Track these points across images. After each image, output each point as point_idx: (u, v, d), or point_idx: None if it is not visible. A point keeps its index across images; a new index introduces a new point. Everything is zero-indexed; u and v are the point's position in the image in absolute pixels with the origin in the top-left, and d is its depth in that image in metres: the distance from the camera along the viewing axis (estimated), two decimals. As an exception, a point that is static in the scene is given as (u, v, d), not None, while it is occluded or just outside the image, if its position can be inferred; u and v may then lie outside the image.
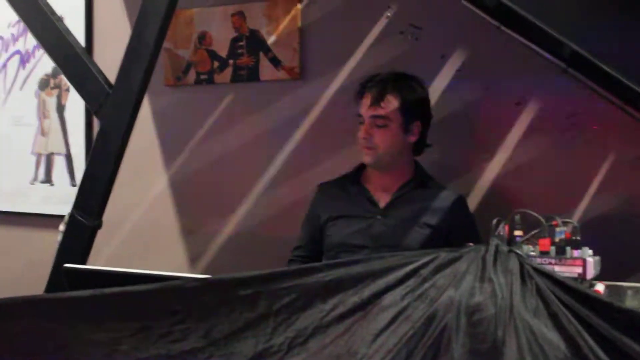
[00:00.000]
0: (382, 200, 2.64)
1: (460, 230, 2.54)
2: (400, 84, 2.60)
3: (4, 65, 4.04)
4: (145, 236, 3.71)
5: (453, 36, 3.06)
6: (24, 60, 3.97)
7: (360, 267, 1.67)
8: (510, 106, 2.97)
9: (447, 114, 3.05)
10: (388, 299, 1.61)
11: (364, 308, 1.63)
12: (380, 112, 2.56)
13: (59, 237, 2.56)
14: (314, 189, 2.85)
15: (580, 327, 1.44)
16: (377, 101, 2.56)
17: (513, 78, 2.97)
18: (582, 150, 2.87)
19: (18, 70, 4.00)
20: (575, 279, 1.57)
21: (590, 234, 2.75)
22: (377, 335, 1.57)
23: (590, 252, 1.67)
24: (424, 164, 2.78)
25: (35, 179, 3.97)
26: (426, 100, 2.69)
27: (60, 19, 2.61)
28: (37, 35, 2.62)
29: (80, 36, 3.69)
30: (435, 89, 3.07)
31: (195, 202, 3.62)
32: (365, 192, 2.65)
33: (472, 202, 2.96)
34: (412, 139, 2.62)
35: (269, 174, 3.42)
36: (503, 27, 2.82)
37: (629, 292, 1.79)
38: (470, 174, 3.03)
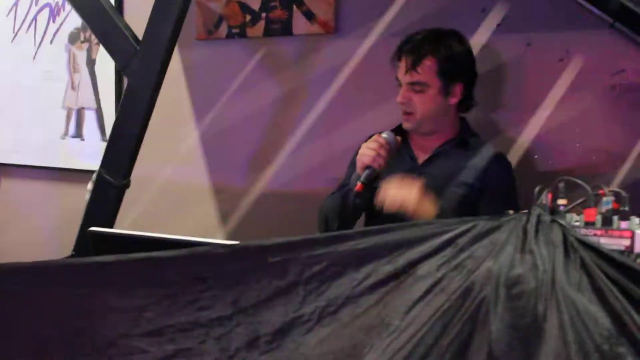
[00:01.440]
0: (422, 156, 2.56)
1: (494, 189, 2.45)
2: (438, 45, 2.48)
3: (34, 19, 3.99)
4: (174, 193, 3.68)
5: (494, -12, 2.94)
6: (54, 13, 3.91)
7: (394, 235, 1.59)
8: (552, 63, 2.86)
9: (487, 70, 2.94)
10: (423, 268, 1.53)
11: (398, 277, 1.55)
12: (417, 77, 2.46)
13: (87, 196, 2.52)
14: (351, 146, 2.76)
15: (627, 304, 1.35)
16: (413, 66, 2.46)
17: (556, 33, 2.84)
18: (628, 109, 2.76)
19: (48, 24, 3.96)
20: (622, 252, 1.48)
21: (633, 196, 2.72)
22: (411, 307, 1.50)
23: (638, 220, 1.58)
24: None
25: (65, 133, 3.95)
26: (468, 56, 2.56)
27: (87, -28, 2.53)
28: (63, -13, 2.56)
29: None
30: (475, 44, 2.95)
31: (226, 158, 3.58)
32: (406, 148, 2.58)
33: (513, 159, 2.88)
34: (454, 100, 2.51)
35: (301, 130, 3.36)
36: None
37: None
38: (509, 132, 2.94)
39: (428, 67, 2.46)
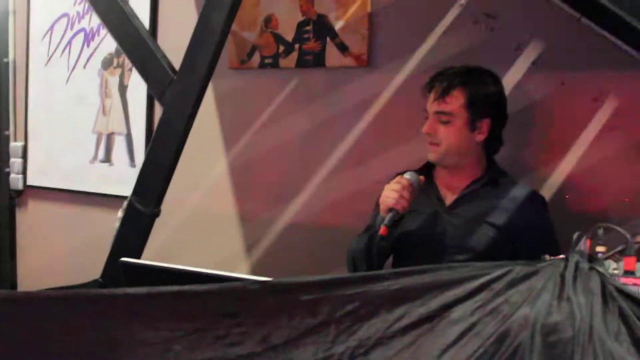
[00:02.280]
0: (449, 197, 2.53)
1: (531, 233, 2.40)
2: (470, 78, 2.46)
3: (69, 43, 4.04)
4: (202, 222, 3.68)
5: (529, 27, 2.92)
6: (88, 38, 3.96)
7: (428, 277, 1.58)
8: (586, 102, 2.82)
9: (520, 109, 2.93)
10: (457, 312, 1.52)
11: (431, 320, 1.54)
12: (444, 107, 2.44)
13: (116, 224, 2.52)
14: (387, 178, 2.73)
15: (666, 356, 1.33)
16: (441, 96, 2.44)
17: (591, 72, 2.81)
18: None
19: (82, 49, 4.00)
20: (662, 302, 1.46)
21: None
22: (445, 351, 1.48)
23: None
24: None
25: (95, 158, 3.98)
26: (499, 96, 2.54)
27: (126, 2, 2.55)
28: (102, 16, 2.59)
29: (145, 18, 3.66)
30: (509, 82, 2.95)
31: (254, 189, 3.58)
32: (433, 188, 2.55)
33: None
34: (480, 137, 2.47)
35: (330, 163, 3.35)
36: (584, 18, 2.70)
37: None
38: (541, 172, 2.90)
39: (456, 98, 2.43)
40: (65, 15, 4.05)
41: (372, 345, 1.56)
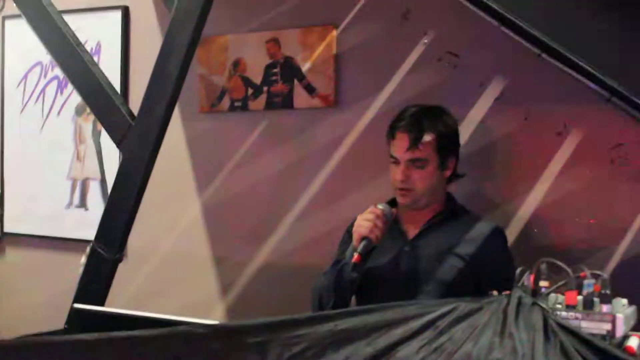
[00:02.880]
0: (411, 231, 2.54)
1: (494, 265, 2.42)
2: (435, 121, 2.50)
3: (42, 91, 4.07)
4: (176, 265, 3.68)
5: (492, 64, 2.97)
6: (61, 85, 3.99)
7: (374, 317, 1.58)
8: (551, 136, 2.86)
9: (485, 144, 2.98)
10: (403, 351, 1.53)
11: (378, 360, 1.54)
12: (419, 154, 2.46)
13: (80, 270, 2.52)
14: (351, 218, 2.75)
15: (607, 391, 1.33)
16: (414, 144, 2.45)
17: (554, 107, 2.86)
18: (626, 184, 2.75)
19: (56, 96, 4.03)
20: (603, 336, 1.46)
21: (635, 270, 2.69)
22: (390, 391, 1.48)
23: (623, 301, 1.56)
24: (460, 195, 2.69)
25: (70, 203, 3.98)
26: (457, 132, 2.59)
27: (85, 50, 2.58)
28: (61, 65, 2.61)
29: (116, 66, 3.71)
30: (474, 118, 2.99)
31: (227, 230, 3.58)
32: (396, 224, 2.55)
33: (510, 235, 2.85)
34: (448, 173, 2.54)
35: (302, 202, 3.37)
36: (544, 55, 2.73)
37: (665, 347, 1.66)
38: (508, 206, 2.93)
39: (429, 144, 2.46)
40: (39, 63, 4.08)
41: (320, 386, 1.56)
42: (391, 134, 2.53)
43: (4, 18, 4.25)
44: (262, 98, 3.42)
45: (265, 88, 3.41)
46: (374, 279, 2.47)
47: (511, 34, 2.55)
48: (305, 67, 3.31)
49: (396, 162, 2.51)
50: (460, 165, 2.76)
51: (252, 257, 3.50)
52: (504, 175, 2.97)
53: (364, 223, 2.40)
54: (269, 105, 3.40)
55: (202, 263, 3.62)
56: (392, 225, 2.53)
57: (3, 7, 4.25)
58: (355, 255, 2.34)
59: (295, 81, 3.33)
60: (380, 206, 2.45)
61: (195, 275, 3.64)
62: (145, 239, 3.73)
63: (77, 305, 1.80)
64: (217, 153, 3.58)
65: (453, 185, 2.66)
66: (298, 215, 3.39)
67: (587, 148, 2.82)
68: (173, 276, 3.67)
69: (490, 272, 2.41)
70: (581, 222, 2.82)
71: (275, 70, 3.38)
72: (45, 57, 4.00)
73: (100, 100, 2.52)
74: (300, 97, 3.33)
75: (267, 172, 3.44)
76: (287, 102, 3.36)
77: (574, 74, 2.65)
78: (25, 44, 4.05)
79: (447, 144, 2.51)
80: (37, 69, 4.10)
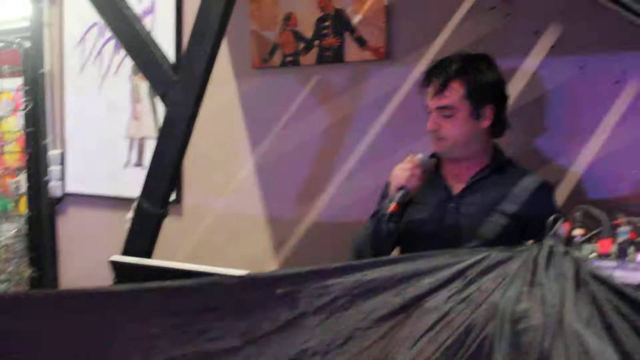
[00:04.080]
0: (456, 187, 2.48)
1: (540, 222, 2.34)
2: (465, 68, 2.41)
3: (100, 52, 4.12)
4: (229, 223, 3.70)
5: (547, 11, 2.86)
6: (118, 45, 4.01)
7: (403, 267, 1.56)
8: (608, 85, 2.74)
9: (540, 95, 2.88)
10: (431, 301, 1.50)
11: (406, 310, 1.52)
12: (445, 101, 2.39)
13: (126, 226, 2.56)
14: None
15: (638, 342, 1.28)
16: (440, 90, 2.39)
17: (612, 55, 2.74)
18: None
19: (113, 56, 4.07)
20: (637, 286, 1.40)
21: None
22: (417, 340, 1.46)
23: (663, 253, 1.49)
24: (512, 149, 2.62)
25: (128, 162, 4.04)
26: (497, 80, 2.48)
27: (127, 7, 2.58)
28: (107, 21, 2.62)
29: (170, 24, 3.74)
30: (528, 68, 2.89)
31: (280, 188, 3.58)
32: (440, 179, 2.51)
33: (564, 190, 2.78)
34: (485, 124, 2.43)
35: (354, 158, 3.33)
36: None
37: None
38: (563, 159, 2.83)
39: (455, 90, 2.39)
40: (96, 24, 4.12)
41: (348, 336, 1.55)
42: (424, 83, 2.48)
43: (62, -20, 4.31)
44: (314, 52, 3.38)
45: (316, 42, 3.37)
46: (416, 234, 2.44)
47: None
48: (356, 19, 3.25)
49: (429, 110, 2.46)
50: (513, 117, 2.69)
51: (305, 215, 3.49)
52: (559, 127, 2.87)
53: (401, 173, 2.38)
54: (320, 60, 3.36)
55: (255, 221, 3.63)
56: (436, 180, 2.49)
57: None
58: (393, 204, 2.31)
59: (346, 34, 3.28)
60: (418, 156, 2.41)
61: (249, 232, 3.65)
62: (200, 197, 3.76)
63: (113, 258, 1.82)
64: (269, 109, 3.57)
65: (506, 139, 2.59)
66: (349, 173, 3.36)
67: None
68: (227, 234, 3.70)
69: (535, 228, 2.34)
70: (637, 175, 2.72)
71: (326, 23, 3.33)
72: (102, 17, 4.06)
73: (143, 55, 2.53)
74: (351, 50, 3.27)
75: (319, 128, 3.42)
76: (338, 56, 3.31)
77: (632, 18, 2.55)
78: (82, 5, 4.09)
79: (481, 92, 2.41)
80: (95, 29, 4.15)
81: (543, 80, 2.87)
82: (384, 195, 2.56)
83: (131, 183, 3.96)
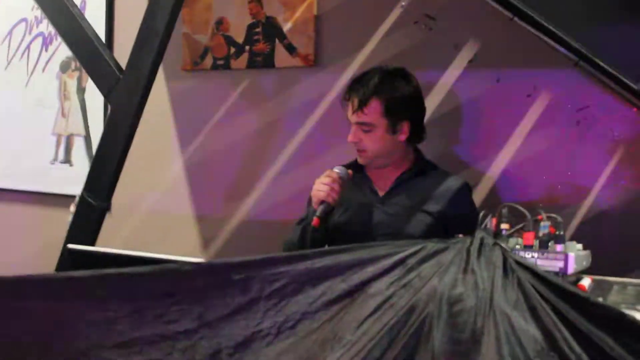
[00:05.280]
0: (382, 189, 2.65)
1: (461, 219, 2.52)
2: (384, 86, 2.54)
3: (27, 48, 4.14)
4: (158, 221, 3.79)
5: (466, 27, 3.07)
6: (46, 42, 4.05)
7: (348, 255, 1.71)
8: (521, 98, 2.97)
9: (458, 104, 3.08)
10: (374, 287, 1.65)
11: (351, 295, 1.67)
12: (364, 118, 2.53)
13: (69, 218, 2.63)
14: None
15: (557, 320, 1.47)
16: (360, 108, 2.52)
17: (525, 70, 2.96)
18: (591, 143, 2.87)
19: (41, 53, 4.10)
20: (556, 273, 1.60)
21: (595, 227, 2.83)
22: (362, 322, 1.61)
23: (578, 246, 1.70)
24: (432, 155, 2.80)
25: (55, 159, 4.07)
26: (414, 97, 2.62)
27: (74, 4, 2.66)
28: (51, 19, 2.69)
29: (101, 22, 3.79)
30: (448, 79, 3.09)
31: (209, 187, 3.69)
32: (366, 180, 2.67)
33: (480, 193, 2.99)
34: (402, 137, 2.58)
35: (282, 159, 3.47)
36: (516, 19, 2.83)
37: (615, 287, 1.81)
38: (479, 165, 3.05)
39: (373, 108, 2.52)
40: (24, 20, 4.14)
41: (298, 319, 1.69)
42: (345, 98, 2.61)
43: (-11, -26, 4.29)
44: (244, 57, 3.51)
45: (247, 47, 3.50)
46: (347, 234, 2.58)
47: (484, -3, 2.66)
48: (286, 27, 3.41)
49: (350, 123, 2.60)
50: (434, 125, 2.89)
51: (233, 214, 3.61)
52: (476, 135, 3.08)
53: (322, 187, 2.51)
54: (251, 64, 3.50)
55: (184, 219, 3.73)
56: (363, 182, 2.65)
57: (-12, -37, 4.29)
58: (315, 218, 2.46)
59: (277, 41, 3.43)
60: (336, 169, 2.56)
61: (177, 230, 3.75)
62: (130, 195, 3.81)
63: (71, 246, 1.91)
64: (199, 111, 3.68)
65: (427, 145, 2.77)
66: (277, 174, 3.50)
67: (555, 110, 2.93)
68: (156, 231, 3.77)
69: (457, 226, 2.52)
70: (547, 180, 2.95)
71: (257, 29, 3.47)
72: (30, 13, 4.08)
73: (88, 53, 2.61)
74: (281, 56, 3.42)
75: (248, 131, 3.55)
76: (268, 62, 3.46)
77: (544, 38, 2.77)
78: (8, 0, 4.12)
79: (397, 108, 2.54)
80: (22, 25, 4.16)
81: (461, 91, 3.07)
82: (309, 202, 2.68)
83: (58, 180, 4.02)
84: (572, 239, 2.76)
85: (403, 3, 3.17)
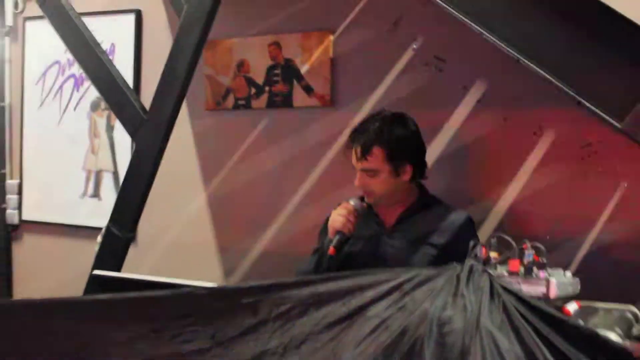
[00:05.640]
0: (388, 222, 2.79)
1: (464, 251, 2.63)
2: (383, 134, 2.67)
3: (60, 88, 4.35)
4: (182, 251, 3.96)
5: (475, 68, 3.21)
6: (77, 83, 4.27)
7: (349, 282, 1.85)
8: (528, 135, 3.10)
9: (467, 143, 3.22)
10: (372, 310, 1.79)
11: (351, 317, 1.81)
12: (367, 165, 2.68)
13: (96, 248, 2.80)
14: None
15: (538, 341, 1.59)
16: (363, 155, 2.67)
17: (531, 109, 3.09)
18: (595, 178, 2.98)
19: (72, 93, 4.32)
20: (539, 297, 1.73)
21: (601, 258, 2.93)
22: (360, 342, 1.75)
23: (564, 272, 1.83)
24: (442, 191, 2.92)
25: (85, 193, 4.26)
26: (413, 139, 2.75)
27: (102, 51, 2.86)
28: (83, 65, 2.89)
29: (130, 64, 4.00)
30: (457, 118, 3.23)
31: (230, 220, 3.86)
32: (373, 216, 2.81)
33: (489, 227, 3.11)
34: (406, 177, 2.72)
35: (299, 194, 3.63)
36: (522, 61, 2.96)
37: (600, 312, 1.92)
38: (488, 200, 3.17)
39: (376, 156, 2.67)
40: (57, 62, 4.37)
41: (303, 339, 1.83)
42: (348, 146, 2.76)
43: (24, 19, 4.54)
44: (264, 97, 3.69)
45: (267, 88, 3.69)
46: (353, 265, 2.71)
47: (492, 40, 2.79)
48: (304, 69, 3.59)
49: (355, 169, 2.75)
50: (442, 163, 3.03)
51: (253, 246, 3.77)
52: (484, 172, 3.21)
53: (338, 218, 2.67)
54: (270, 104, 3.69)
55: (206, 250, 3.90)
56: (370, 217, 2.79)
57: (24, 9, 4.53)
58: (331, 247, 2.61)
59: (295, 82, 3.60)
60: (352, 202, 2.71)
61: (200, 261, 3.90)
62: (155, 228, 4.00)
63: (96, 272, 2.07)
64: (221, 148, 3.86)
65: (436, 182, 2.91)
66: (295, 208, 3.66)
67: (560, 147, 3.05)
68: (179, 262, 3.92)
69: (460, 259, 2.63)
70: (553, 215, 3.05)
71: (276, 71, 3.66)
72: (63, 56, 4.30)
73: (116, 96, 2.80)
74: (299, 96, 3.60)
75: (268, 167, 3.71)
76: (287, 101, 3.64)
77: (548, 77, 2.90)
78: (44, 43, 4.35)
79: (398, 153, 2.68)
80: (55, 67, 4.38)
81: (470, 130, 3.21)
82: (323, 231, 2.84)
83: (87, 213, 4.21)
84: (577, 269, 2.92)
85: (414, 46, 3.33)
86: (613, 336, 1.71)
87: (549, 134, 3.08)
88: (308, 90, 3.57)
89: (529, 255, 1.76)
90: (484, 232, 3.03)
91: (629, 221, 2.94)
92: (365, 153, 2.67)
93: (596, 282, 2.73)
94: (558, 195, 3.05)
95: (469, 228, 2.77)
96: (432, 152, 3.19)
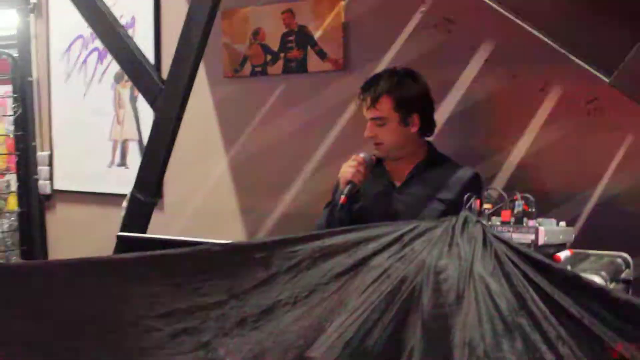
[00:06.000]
0: (398, 180, 2.92)
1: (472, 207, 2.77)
2: (393, 84, 2.83)
3: (84, 61, 4.50)
4: (207, 215, 4.12)
5: (482, 29, 3.29)
6: (101, 56, 4.42)
7: (354, 235, 1.98)
8: (534, 92, 3.18)
9: (476, 101, 3.31)
10: (375, 260, 1.91)
11: (356, 268, 1.93)
12: (377, 113, 2.83)
13: (122, 213, 2.95)
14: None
15: (526, 284, 1.71)
16: (372, 104, 2.82)
17: (537, 66, 3.16)
18: (601, 133, 3.07)
19: (96, 66, 4.47)
20: (528, 245, 1.84)
21: (606, 210, 3.03)
22: (364, 291, 1.87)
23: (554, 222, 1.94)
24: (451, 149, 3.04)
25: (112, 162, 4.43)
26: (422, 93, 2.89)
27: (120, 25, 2.99)
28: (103, 39, 3.03)
29: (150, 35, 4.13)
30: (466, 78, 3.32)
31: (251, 184, 4.01)
32: (384, 174, 2.94)
33: (499, 183, 3.21)
34: (414, 129, 2.86)
35: (317, 157, 3.76)
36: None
37: (591, 258, 2.04)
38: (497, 156, 3.27)
39: (385, 104, 2.82)
40: (81, 36, 4.52)
41: (312, 290, 1.96)
42: (359, 97, 2.90)
43: (48, -4, 4.68)
44: (280, 63, 3.81)
45: (282, 54, 3.80)
46: (365, 221, 2.82)
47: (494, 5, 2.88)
48: (317, 35, 3.70)
49: (366, 120, 2.88)
50: (452, 122, 3.14)
51: (273, 209, 3.92)
52: (493, 128, 3.31)
53: (348, 169, 2.81)
54: (286, 70, 3.81)
55: (230, 214, 4.05)
56: (381, 175, 2.92)
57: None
58: (342, 197, 2.74)
59: (309, 48, 3.72)
60: (361, 154, 2.83)
61: (224, 225, 4.06)
62: (179, 194, 4.16)
63: (121, 234, 2.22)
64: (240, 114, 3.99)
65: (446, 140, 3.02)
66: (313, 169, 3.79)
67: (566, 102, 3.14)
68: (204, 225, 4.08)
69: None
70: (561, 169, 3.15)
71: (290, 38, 3.77)
72: (86, 30, 4.42)
73: (134, 68, 2.93)
74: (313, 62, 3.72)
75: (285, 131, 3.84)
76: (301, 67, 3.76)
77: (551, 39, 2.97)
78: (67, 19, 4.48)
79: (406, 104, 2.83)
80: (79, 41, 4.54)
81: (479, 88, 3.31)
82: (336, 188, 2.98)
83: (115, 181, 4.37)
84: (584, 223, 3.01)
85: (423, 9, 3.42)
86: (597, 279, 1.82)
87: (555, 90, 3.16)
88: (321, 55, 3.68)
89: (519, 205, 1.88)
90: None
91: (635, 173, 3.02)
92: (374, 102, 2.81)
93: (602, 233, 2.86)
94: (566, 150, 3.14)
95: (477, 184, 2.86)
96: (443, 112, 3.30)
